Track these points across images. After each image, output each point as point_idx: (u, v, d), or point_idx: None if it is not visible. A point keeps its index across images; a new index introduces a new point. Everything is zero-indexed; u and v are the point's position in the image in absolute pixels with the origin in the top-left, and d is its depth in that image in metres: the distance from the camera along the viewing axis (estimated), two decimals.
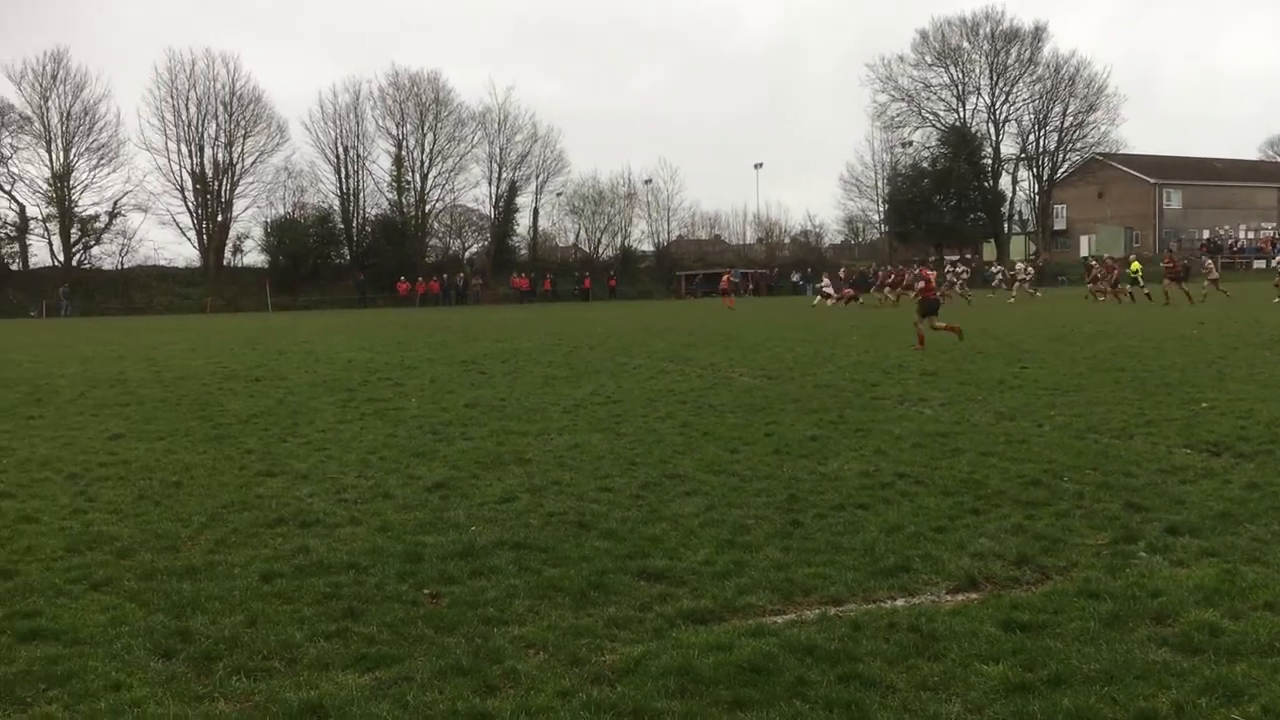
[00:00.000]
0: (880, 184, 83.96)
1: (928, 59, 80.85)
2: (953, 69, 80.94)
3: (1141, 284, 40.02)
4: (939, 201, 79.64)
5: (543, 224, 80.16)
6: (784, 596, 5.44)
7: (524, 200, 77.20)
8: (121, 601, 5.51)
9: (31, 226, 68.14)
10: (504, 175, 75.49)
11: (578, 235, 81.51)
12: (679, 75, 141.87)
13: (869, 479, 8.16)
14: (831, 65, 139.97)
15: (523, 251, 77.73)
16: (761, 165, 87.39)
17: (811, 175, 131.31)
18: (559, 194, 78.54)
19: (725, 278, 54.34)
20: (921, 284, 21.72)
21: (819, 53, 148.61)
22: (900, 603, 5.32)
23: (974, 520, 6.86)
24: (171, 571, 6.03)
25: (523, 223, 78.33)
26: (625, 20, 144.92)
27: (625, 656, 4.62)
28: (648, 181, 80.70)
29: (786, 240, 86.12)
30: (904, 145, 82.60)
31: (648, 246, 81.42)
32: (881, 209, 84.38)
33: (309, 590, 5.64)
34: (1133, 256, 50.48)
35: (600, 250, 79.72)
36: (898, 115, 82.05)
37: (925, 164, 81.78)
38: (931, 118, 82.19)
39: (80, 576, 5.95)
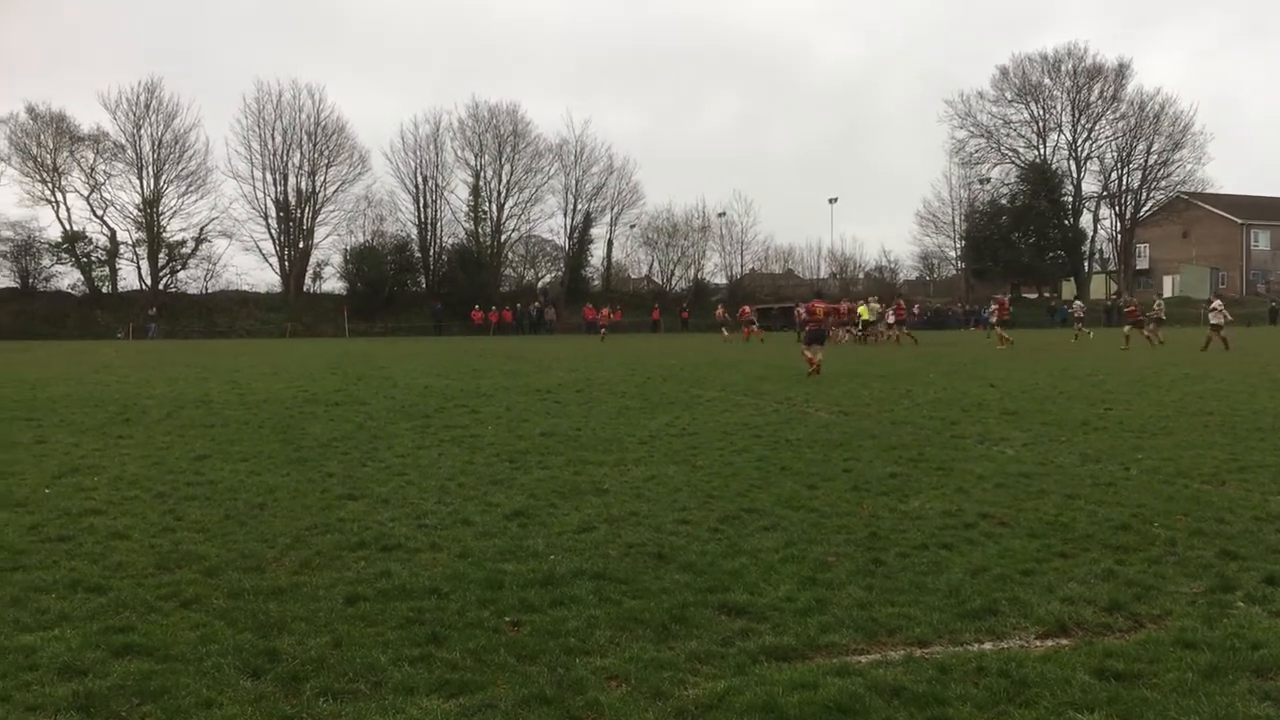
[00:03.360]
0: (957, 220, 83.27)
1: (1008, 95, 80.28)
2: (1033, 105, 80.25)
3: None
4: (1017, 239, 78.69)
5: (616, 255, 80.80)
6: (868, 636, 5.35)
7: (598, 231, 77.96)
8: (210, 619, 5.60)
9: (122, 251, 70.29)
10: (579, 206, 76.31)
11: (651, 267, 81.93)
12: (754, 108, 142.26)
13: (952, 518, 8.03)
14: (908, 100, 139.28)
15: (596, 282, 78.25)
16: (836, 200, 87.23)
17: (887, 210, 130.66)
18: (633, 226, 79.17)
19: (744, 309, 54.14)
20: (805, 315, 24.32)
21: (895, 87, 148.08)
22: (988, 646, 5.21)
23: (1062, 564, 6.70)
24: (258, 591, 6.12)
25: (597, 254, 79.03)
26: (701, 54, 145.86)
27: (708, 691, 4.58)
28: (722, 214, 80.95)
29: (861, 275, 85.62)
30: (982, 181, 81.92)
31: (721, 279, 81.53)
32: (958, 245, 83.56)
33: (392, 614, 5.68)
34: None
35: (673, 282, 79.96)
36: (976, 151, 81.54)
37: (1004, 200, 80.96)
38: (1011, 154, 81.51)
39: (170, 594, 6.07)
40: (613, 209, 77.64)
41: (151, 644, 5.18)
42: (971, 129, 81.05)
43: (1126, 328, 38.36)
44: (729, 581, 6.32)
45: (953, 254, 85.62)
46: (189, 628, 5.47)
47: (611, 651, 5.11)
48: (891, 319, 45.41)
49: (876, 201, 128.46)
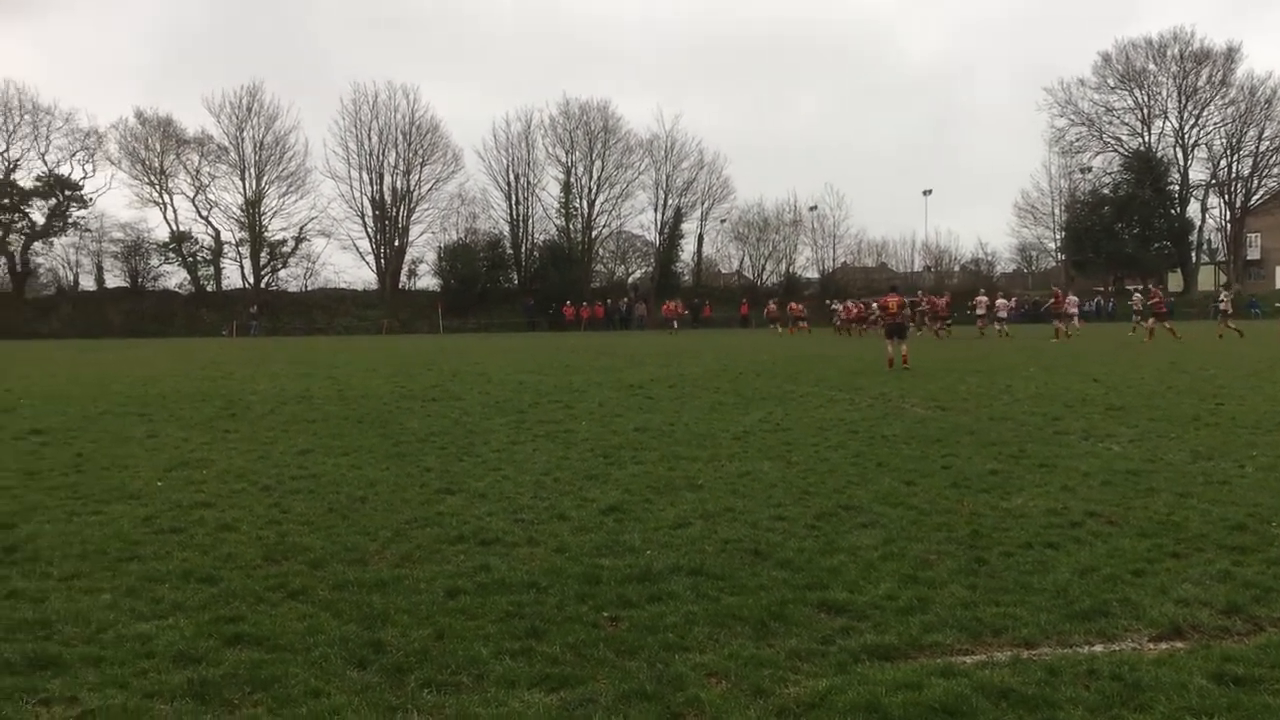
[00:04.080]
0: (1057, 211, 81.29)
1: (1110, 82, 78.09)
2: (1137, 92, 77.95)
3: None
4: (1120, 229, 76.49)
5: (707, 250, 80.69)
6: (972, 636, 5.24)
7: (689, 226, 77.92)
8: (317, 611, 5.71)
9: (225, 250, 72.40)
10: (669, 202, 76.44)
11: (741, 262, 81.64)
12: (846, 100, 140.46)
13: (1057, 517, 7.82)
14: (1005, 88, 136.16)
15: (686, 278, 78.21)
16: (930, 192, 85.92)
17: (983, 202, 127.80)
18: (723, 220, 79.02)
19: (793, 305, 53.88)
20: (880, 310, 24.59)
21: (991, 76, 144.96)
22: (1099, 648, 5.05)
23: (1175, 564, 6.48)
24: (362, 583, 6.23)
25: (687, 249, 78.98)
26: (792, 47, 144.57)
27: (809, 690, 4.53)
28: (813, 208, 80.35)
29: (956, 268, 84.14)
30: (1083, 171, 79.85)
31: (812, 274, 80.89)
32: (1058, 237, 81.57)
33: (492, 608, 5.74)
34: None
35: (764, 277, 79.55)
36: (1077, 140, 79.54)
37: (1106, 190, 78.79)
38: (1114, 142, 79.32)
39: (278, 585, 6.21)
40: (703, 204, 77.67)
41: (261, 634, 5.31)
42: (1072, 117, 79.07)
43: (1150, 320, 37.15)
44: (827, 579, 6.25)
45: (1052, 246, 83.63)
46: (296, 618, 5.58)
47: (710, 648, 5.09)
48: (1003, 313, 44.28)
49: (972, 193, 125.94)
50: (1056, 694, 4.43)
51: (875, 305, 40.93)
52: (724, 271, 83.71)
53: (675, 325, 59.35)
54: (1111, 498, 8.50)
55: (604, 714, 4.29)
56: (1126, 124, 79.08)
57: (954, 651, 5.04)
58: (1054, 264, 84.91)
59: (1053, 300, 41.93)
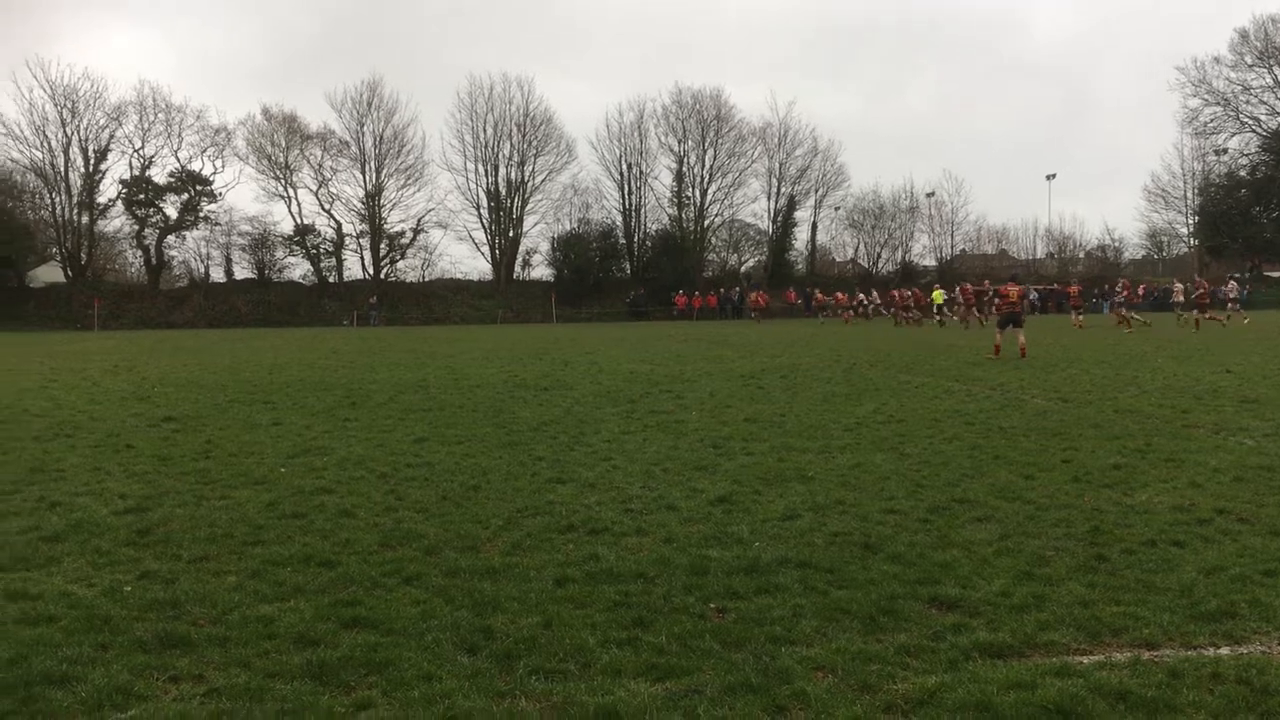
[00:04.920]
0: (1189, 195, 78.04)
1: (1248, 59, 74.55)
2: (1277, 69, 74.16)
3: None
4: (1258, 213, 73.09)
5: (821, 238, 79.83)
6: (1090, 636, 5.09)
7: (802, 214, 77.17)
8: (430, 596, 5.84)
9: (346, 242, 74.34)
10: (783, 190, 75.83)
11: (856, 250, 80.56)
12: (964, 84, 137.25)
13: (1184, 514, 7.54)
14: (1134, 68, 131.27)
15: (799, 266, 77.52)
16: (1054, 176, 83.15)
17: (1110, 186, 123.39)
18: (838, 208, 78.06)
19: (838, 295, 53.10)
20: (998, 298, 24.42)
21: (1119, 55, 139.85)
22: (1224, 651, 4.86)
23: None
24: (473, 571, 6.34)
25: (800, 237, 78.25)
26: (909, 30, 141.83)
27: (919, 686, 4.46)
28: (930, 194, 78.78)
29: (1081, 255, 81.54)
30: (1218, 153, 76.50)
31: (929, 261, 79.34)
32: (1190, 221, 78.39)
33: (600, 597, 5.79)
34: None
35: (879, 265, 78.36)
36: (1211, 121, 76.18)
37: (1243, 173, 75.35)
38: (1251, 122, 75.74)
39: (393, 570, 6.37)
40: (817, 191, 76.86)
41: (376, 618, 5.45)
42: (1206, 97, 75.77)
43: (1194, 313, 36.08)
44: (939, 574, 6.13)
45: (1184, 231, 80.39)
46: (410, 604, 5.72)
47: (818, 642, 5.05)
48: (1121, 299, 42.88)
49: (1098, 177, 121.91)
50: (1178, 697, 4.28)
51: (992, 291, 41.23)
52: (838, 260, 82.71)
53: (756, 315, 60.31)
54: (1243, 494, 8.15)
55: (709, 705, 4.29)
56: (1265, 103, 75.46)
57: (1070, 651, 4.90)
58: (1186, 250, 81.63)
59: (1123, 290, 40.57)
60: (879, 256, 79.23)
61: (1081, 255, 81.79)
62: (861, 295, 58.20)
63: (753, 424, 12.78)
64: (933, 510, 7.81)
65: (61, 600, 5.76)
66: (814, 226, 78.55)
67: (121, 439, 11.93)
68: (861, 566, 6.32)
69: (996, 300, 25.72)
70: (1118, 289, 43.21)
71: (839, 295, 59.53)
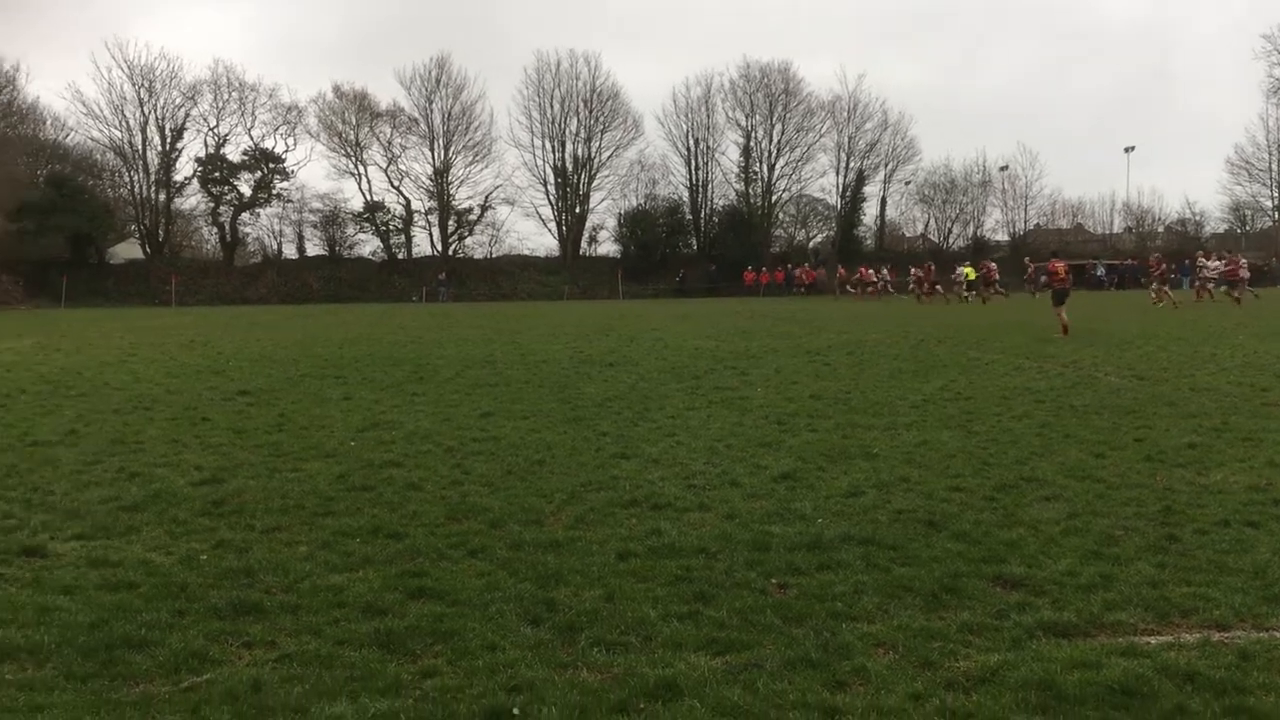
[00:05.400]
0: (1275, 166, 75.59)
1: None
2: None
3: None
4: None
5: (890, 213, 78.79)
6: (1159, 616, 5.01)
7: (871, 189, 76.21)
8: (494, 569, 5.93)
9: (415, 219, 75.03)
10: (852, 164, 74.87)
11: (926, 225, 79.42)
12: (1042, 55, 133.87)
13: (1259, 494, 7.36)
14: (1217, 36, 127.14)
15: (868, 241, 76.67)
16: (1133, 149, 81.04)
17: (1191, 159, 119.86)
18: (908, 182, 76.93)
19: (863, 270, 52.32)
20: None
21: (1199, 24, 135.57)
22: None
23: None
24: (537, 544, 6.42)
25: (869, 212, 77.32)
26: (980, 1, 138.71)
27: (981, 664, 4.43)
28: (1004, 168, 77.24)
29: (1160, 229, 79.50)
30: None
31: (1002, 236, 77.95)
32: (1276, 194, 75.99)
33: (662, 571, 5.83)
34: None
35: (950, 240, 77.23)
36: None
37: None
38: None
39: (459, 543, 6.47)
40: (887, 166, 75.74)
41: (442, 589, 5.55)
42: None
43: (1224, 287, 35.70)
44: (1005, 552, 6.08)
45: (1269, 204, 77.95)
46: (475, 575, 5.81)
47: (879, 618, 5.04)
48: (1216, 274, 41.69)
49: (1179, 150, 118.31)
50: (1247, 679, 4.21)
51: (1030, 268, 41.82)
52: (908, 235, 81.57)
53: (802, 289, 60.71)
54: None
55: (768, 679, 4.31)
56: None
57: (1138, 631, 4.83)
58: (1271, 223, 79.19)
59: (1153, 267, 39.63)
60: (950, 231, 78.06)
61: (1161, 230, 79.72)
62: (870, 271, 58.05)
63: (818, 400, 12.72)
64: (999, 488, 7.73)
65: (141, 567, 5.95)
66: (883, 201, 77.58)
67: (198, 412, 12.23)
68: (925, 544, 6.28)
69: (1044, 277, 25.41)
70: (1150, 265, 42.18)
71: (862, 271, 59.23)
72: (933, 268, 52.30)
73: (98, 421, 11.50)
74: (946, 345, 20.74)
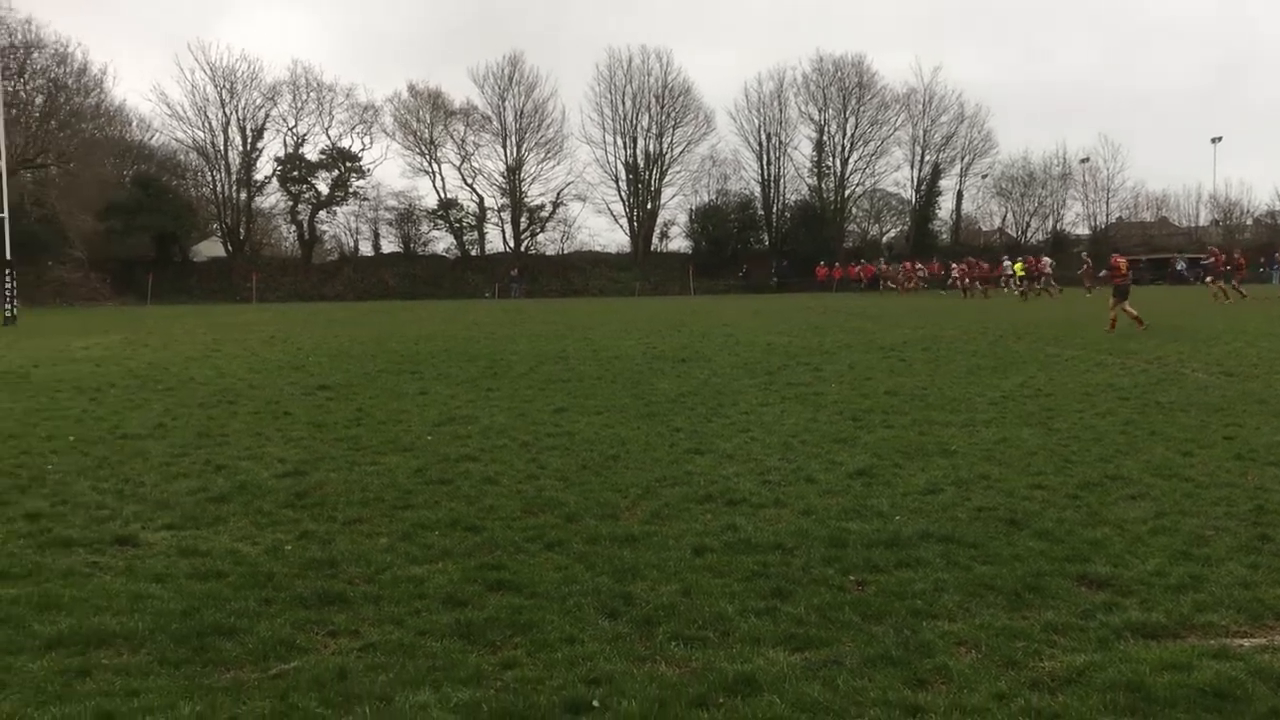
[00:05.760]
0: None
1: None
2: None
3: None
4: None
5: (966, 207, 77.60)
6: (1251, 618, 4.88)
7: (947, 183, 75.13)
8: (571, 562, 5.97)
9: (488, 215, 75.72)
10: (927, 158, 73.89)
11: (1004, 218, 78.07)
12: (1124, 43, 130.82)
13: None
14: None
15: (944, 236, 75.62)
16: (1220, 139, 78.79)
17: None
18: (984, 176, 75.66)
19: (905, 264, 51.63)
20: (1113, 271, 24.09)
21: None
22: None
23: None
24: (613, 538, 6.45)
25: (945, 206, 76.24)
26: None
27: (1066, 665, 4.36)
28: (1084, 160, 75.56)
29: (1249, 221, 77.18)
30: None
31: (1083, 230, 76.33)
32: None
33: (738, 567, 5.82)
34: None
35: (1028, 234, 75.84)
36: None
37: None
38: None
39: (535, 536, 6.53)
40: (963, 159, 74.58)
41: (520, 581, 5.61)
42: None
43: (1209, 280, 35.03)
44: (1089, 552, 5.96)
45: None
46: (552, 568, 5.86)
47: (960, 617, 4.98)
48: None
49: (1269, 139, 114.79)
50: None
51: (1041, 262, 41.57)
52: (984, 229, 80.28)
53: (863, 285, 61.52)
54: None
55: (848, 676, 4.28)
56: None
57: (1229, 633, 4.72)
58: None
59: (1211, 260, 38.37)
60: (1028, 225, 76.64)
61: (1249, 222, 77.42)
62: (907, 265, 58.39)
63: (893, 397, 12.59)
64: (1083, 486, 7.59)
65: (228, 557, 6.09)
66: (959, 195, 76.44)
67: (279, 406, 12.49)
68: (1006, 542, 6.19)
69: (1107, 272, 25.09)
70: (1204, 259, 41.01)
71: (905, 265, 59.43)
72: (975, 263, 51.98)
73: (184, 415, 11.79)
74: (1025, 341, 20.38)
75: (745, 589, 5.44)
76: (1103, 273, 25.78)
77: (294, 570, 5.83)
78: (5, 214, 35.66)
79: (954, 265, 54.53)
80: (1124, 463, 8.39)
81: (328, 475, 8.42)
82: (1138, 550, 5.97)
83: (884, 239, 77.03)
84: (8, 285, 34.09)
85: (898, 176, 75.97)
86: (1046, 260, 49.76)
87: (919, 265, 60.40)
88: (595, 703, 4.07)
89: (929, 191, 74.23)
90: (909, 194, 75.22)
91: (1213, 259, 38.27)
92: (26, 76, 55.97)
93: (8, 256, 35.19)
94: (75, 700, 4.09)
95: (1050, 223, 76.03)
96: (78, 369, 17.22)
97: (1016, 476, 7.98)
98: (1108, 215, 76.59)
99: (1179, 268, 65.52)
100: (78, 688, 4.23)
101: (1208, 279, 37.17)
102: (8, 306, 33.75)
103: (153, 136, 70.78)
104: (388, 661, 4.49)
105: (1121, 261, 24.05)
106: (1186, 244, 71.28)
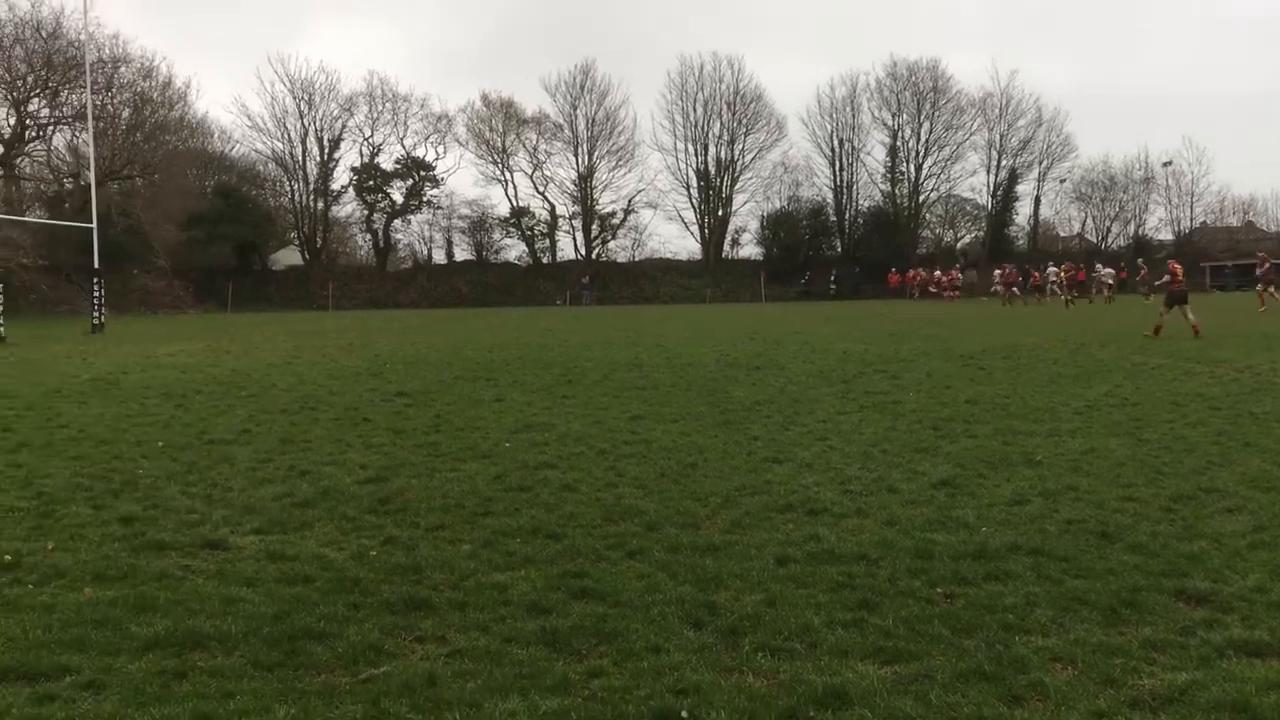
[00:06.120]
0: None
1: None
2: None
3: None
4: None
5: (1044, 212, 76.25)
6: None
7: (1024, 188, 73.90)
8: (653, 570, 5.95)
9: (560, 223, 76.25)
10: (1004, 163, 72.78)
11: (1083, 224, 76.58)
12: (1209, 42, 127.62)
13: None
14: None
15: (1020, 242, 74.38)
16: None
17: None
18: (1063, 180, 74.29)
19: (1005, 271, 50.65)
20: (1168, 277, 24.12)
21: None
22: None
23: None
24: (694, 547, 6.42)
25: (1022, 211, 75.01)
26: None
27: (1167, 683, 4.23)
28: (1167, 164, 73.81)
29: None
30: None
31: (1166, 235, 74.56)
32: None
33: (822, 577, 5.75)
34: None
35: (1109, 239, 74.29)
36: None
37: None
38: None
39: (616, 544, 6.52)
40: (1040, 163, 73.33)
41: (603, 589, 5.60)
42: None
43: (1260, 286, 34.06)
44: (1186, 566, 5.79)
45: None
46: (635, 577, 5.84)
47: (1054, 632, 4.86)
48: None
49: None
50: None
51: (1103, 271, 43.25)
52: (1062, 235, 78.78)
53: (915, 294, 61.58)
54: None
55: (941, 691, 4.20)
56: None
57: None
58: None
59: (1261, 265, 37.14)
60: (1108, 230, 75.09)
61: None
62: (938, 272, 60.05)
63: (974, 405, 12.39)
64: (1176, 499, 7.38)
65: (315, 562, 6.18)
66: (1036, 200, 75.13)
67: (359, 413, 12.66)
68: (1099, 555, 6.04)
69: (1164, 278, 24.83)
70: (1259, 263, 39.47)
71: (938, 274, 59.67)
72: (1012, 270, 51.49)
73: (267, 421, 12.01)
74: (1109, 349, 19.95)
75: (831, 600, 5.38)
76: (1163, 278, 25.60)
77: (379, 576, 5.89)
78: (94, 224, 36.70)
79: (995, 272, 54.07)
80: (1218, 475, 8.15)
81: (409, 481, 8.51)
82: (1237, 565, 5.79)
83: (958, 245, 75.98)
84: (96, 294, 35.05)
85: (973, 182, 75.02)
86: (1106, 269, 49.49)
87: (955, 273, 60.50)
88: (684, 713, 4.05)
89: (1006, 197, 73.09)
90: (984, 199, 74.19)
91: (1262, 264, 37.23)
92: (114, 90, 57.56)
93: (96, 265, 36.20)
94: (174, 702, 4.17)
95: (1132, 228, 74.42)
96: (164, 375, 17.65)
97: (1106, 488, 7.80)
98: (1191, 220, 74.78)
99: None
100: (175, 689, 4.31)
101: (1260, 287, 36.13)
102: (96, 314, 34.71)
103: (233, 148, 72.61)
104: (475, 668, 4.51)
105: (1178, 268, 24.10)
106: (1276, 249, 69.25)
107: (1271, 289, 34.79)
